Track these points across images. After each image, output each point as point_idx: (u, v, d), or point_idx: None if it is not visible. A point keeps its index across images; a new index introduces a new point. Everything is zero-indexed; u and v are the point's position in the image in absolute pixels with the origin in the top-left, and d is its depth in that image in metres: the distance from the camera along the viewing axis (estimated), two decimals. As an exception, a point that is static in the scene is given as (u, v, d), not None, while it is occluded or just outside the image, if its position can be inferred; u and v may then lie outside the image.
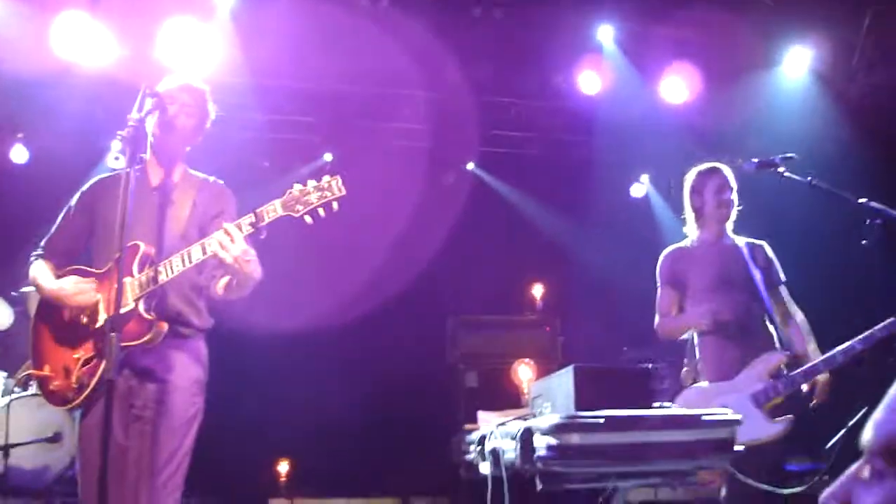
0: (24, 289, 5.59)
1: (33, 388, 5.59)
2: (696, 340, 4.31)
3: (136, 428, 3.28)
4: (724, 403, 3.85)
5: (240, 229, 3.18)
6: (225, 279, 3.41)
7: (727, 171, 4.38)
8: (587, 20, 6.82)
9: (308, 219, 3.13)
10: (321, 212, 3.13)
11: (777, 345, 4.13)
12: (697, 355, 4.31)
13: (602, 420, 2.57)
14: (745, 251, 4.27)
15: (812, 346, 4.15)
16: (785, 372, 4.01)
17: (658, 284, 4.44)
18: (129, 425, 3.27)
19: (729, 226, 4.38)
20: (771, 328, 4.19)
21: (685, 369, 4.44)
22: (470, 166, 8.49)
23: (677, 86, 7.16)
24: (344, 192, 3.13)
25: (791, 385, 3.93)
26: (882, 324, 3.84)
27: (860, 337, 3.86)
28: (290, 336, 7.10)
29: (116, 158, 3.10)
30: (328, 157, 7.97)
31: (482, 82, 7.31)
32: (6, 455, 5.46)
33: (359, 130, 7.75)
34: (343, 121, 7.66)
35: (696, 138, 7.20)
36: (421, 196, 7.78)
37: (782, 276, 4.33)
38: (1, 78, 6.58)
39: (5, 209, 6.65)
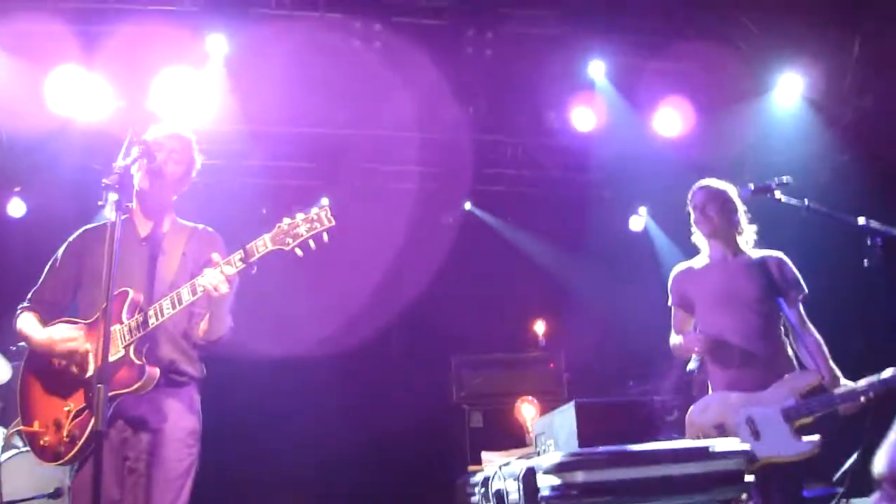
0: (22, 343, 5.54)
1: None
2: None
3: (130, 481, 3.23)
4: (749, 415, 3.79)
5: (231, 265, 3.16)
6: (205, 322, 3.38)
7: (716, 186, 4.33)
8: (578, 57, 6.85)
9: (298, 251, 3.11)
10: (311, 244, 3.10)
11: (794, 362, 4.04)
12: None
13: (605, 456, 2.53)
14: (757, 266, 4.18)
15: (825, 363, 4.02)
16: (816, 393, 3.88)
17: (670, 303, 4.41)
18: (124, 479, 3.22)
19: (741, 241, 4.30)
20: (786, 342, 4.11)
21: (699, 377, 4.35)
22: (467, 206, 8.49)
23: (671, 118, 7.16)
24: (333, 222, 3.11)
25: (827, 406, 3.80)
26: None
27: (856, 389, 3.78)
28: (293, 377, 7.08)
29: (102, 205, 3.08)
30: (325, 201, 7.98)
31: (476, 122, 7.32)
32: (7, 512, 5.38)
33: (356, 173, 7.77)
34: (340, 164, 7.68)
35: (692, 169, 7.18)
36: (420, 237, 7.78)
37: (804, 288, 4.19)
38: (-3, 131, 6.63)
39: (3, 263, 6.64)
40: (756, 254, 4.28)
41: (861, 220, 3.62)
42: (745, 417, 3.84)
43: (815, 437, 3.75)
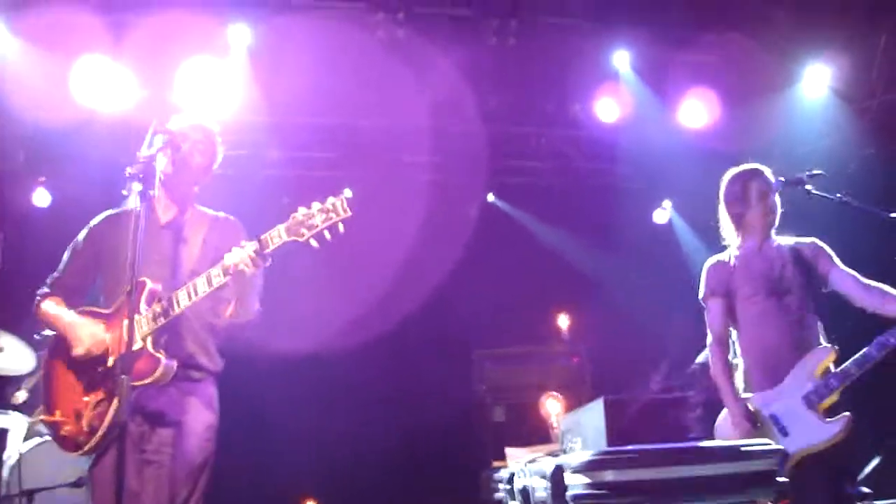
0: (47, 332, 5.58)
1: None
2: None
3: (148, 472, 3.22)
4: (774, 413, 3.71)
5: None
6: (231, 306, 3.37)
7: (768, 173, 4.14)
8: (603, 47, 6.79)
9: (314, 243, 3.06)
10: (327, 235, 3.05)
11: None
12: (741, 367, 4.11)
13: (637, 455, 2.49)
14: (791, 253, 4.04)
15: None
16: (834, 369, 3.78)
17: (704, 299, 4.18)
18: (142, 470, 3.21)
19: (773, 228, 4.15)
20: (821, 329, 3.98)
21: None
22: (490, 198, 8.44)
23: (696, 110, 7.09)
24: (349, 212, 3.04)
25: (845, 378, 3.71)
26: None
27: None
28: (314, 372, 7.06)
29: (126, 195, 3.08)
30: (348, 192, 7.94)
31: (500, 112, 7.27)
32: (31, 500, 5.41)
33: (379, 164, 7.73)
34: (362, 156, 7.64)
35: (717, 161, 7.09)
36: (442, 228, 7.74)
37: (836, 263, 4.01)
38: (22, 123, 6.66)
39: (28, 252, 6.67)
40: (786, 241, 4.13)
41: (895, 214, 3.56)
42: (769, 416, 3.77)
43: (844, 416, 3.65)
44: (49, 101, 6.34)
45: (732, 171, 4.24)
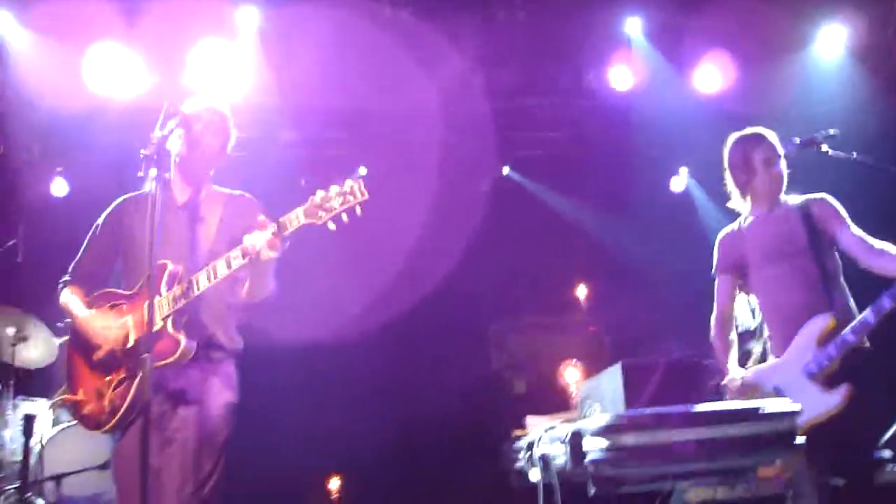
0: (69, 319, 5.65)
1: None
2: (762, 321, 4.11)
3: (170, 450, 3.27)
4: (777, 386, 3.68)
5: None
6: (248, 284, 3.40)
7: (773, 138, 4.05)
8: (614, 14, 6.73)
9: (331, 225, 3.08)
10: (344, 217, 3.07)
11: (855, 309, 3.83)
12: (765, 334, 4.08)
13: (655, 417, 2.49)
14: (801, 214, 3.95)
15: None
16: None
17: (715, 272, 4.16)
18: (164, 448, 3.26)
19: (783, 191, 4.07)
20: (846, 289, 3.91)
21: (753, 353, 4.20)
22: (505, 171, 8.42)
23: (711, 75, 7.01)
24: (367, 195, 3.07)
25: (843, 346, 3.62)
26: None
27: None
28: (332, 348, 7.10)
29: (141, 177, 3.11)
30: (363, 170, 7.96)
31: (512, 86, 7.23)
32: (59, 485, 5.52)
33: (391, 143, 7.73)
34: (375, 134, 7.64)
35: (733, 126, 7.01)
36: (459, 204, 7.74)
37: (846, 222, 3.90)
38: (38, 113, 6.70)
39: (48, 242, 6.73)
40: (796, 200, 4.05)
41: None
42: (772, 389, 3.70)
43: (843, 387, 3.57)
44: (62, 91, 6.38)
45: (733, 136, 4.16)
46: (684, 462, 2.54)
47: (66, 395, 3.59)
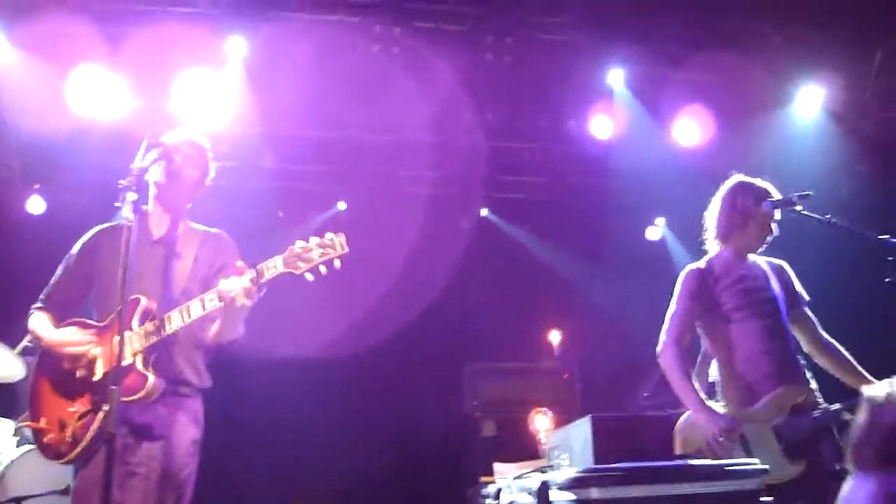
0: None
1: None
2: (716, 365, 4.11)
3: (132, 483, 3.22)
4: (743, 434, 3.67)
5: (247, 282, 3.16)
6: (217, 325, 3.38)
7: (775, 194, 4.06)
8: (598, 64, 6.83)
9: (309, 276, 3.09)
10: (322, 269, 3.08)
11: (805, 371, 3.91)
12: (717, 377, 4.08)
13: (621, 473, 2.49)
14: (774, 274, 4.01)
15: (854, 367, 3.86)
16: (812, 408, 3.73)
17: (677, 301, 4.06)
18: (125, 482, 3.21)
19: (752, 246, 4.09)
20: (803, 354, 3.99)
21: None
22: (484, 212, 8.46)
23: (690, 128, 7.12)
24: (346, 249, 3.09)
25: (813, 424, 3.64)
26: None
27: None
28: (304, 385, 7.06)
29: (119, 207, 3.10)
30: (342, 205, 7.98)
31: (495, 128, 7.29)
32: (19, 508, 5.39)
33: (372, 178, 7.75)
34: (357, 168, 7.66)
35: (710, 180, 7.12)
36: (435, 242, 7.75)
37: (806, 297, 4.05)
38: (18, 131, 6.67)
39: (23, 260, 6.67)
40: (760, 260, 4.10)
41: (884, 237, 3.57)
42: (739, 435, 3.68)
43: (804, 461, 3.56)
44: (45, 110, 6.35)
45: (741, 179, 4.14)
46: (650, 518, 2.54)
47: (27, 422, 3.54)
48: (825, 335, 4.02)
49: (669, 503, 2.53)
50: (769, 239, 4.07)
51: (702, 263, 4.10)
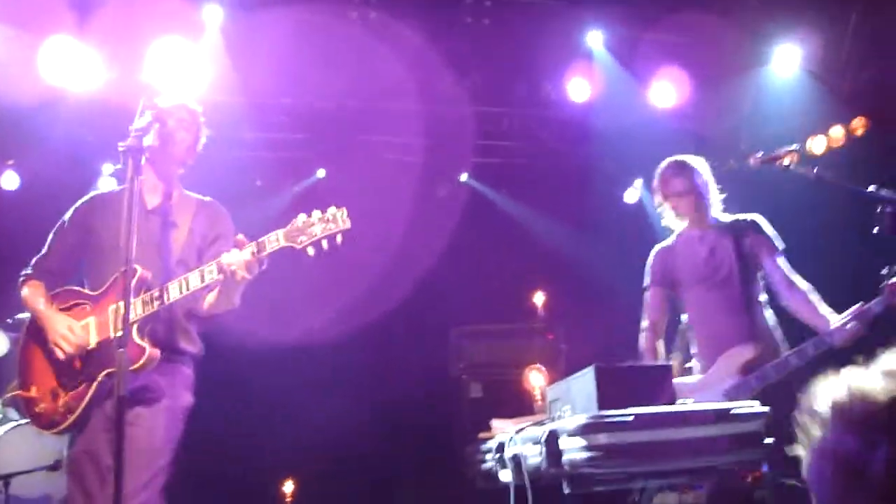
0: (20, 315, 5.51)
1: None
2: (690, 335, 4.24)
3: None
4: (697, 401, 3.76)
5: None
6: (212, 296, 3.36)
7: (680, 162, 4.28)
8: (576, 26, 6.82)
9: (311, 251, 3.09)
10: (324, 244, 3.08)
11: (774, 332, 4.03)
12: (692, 350, 4.21)
13: (631, 418, 2.53)
14: (732, 234, 4.14)
15: (825, 310, 3.92)
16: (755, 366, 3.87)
17: (647, 285, 4.32)
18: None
19: (714, 210, 4.25)
20: (766, 312, 4.10)
21: (673, 363, 4.32)
22: (464, 177, 8.46)
23: (667, 90, 7.14)
24: (349, 225, 3.10)
25: (763, 380, 3.80)
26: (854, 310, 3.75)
27: (831, 329, 3.75)
28: (290, 353, 7.05)
29: (113, 175, 3.09)
30: (321, 173, 7.93)
31: (473, 93, 7.28)
32: (7, 485, 5.36)
33: (351, 145, 7.71)
34: (335, 136, 7.61)
35: (688, 141, 7.19)
36: (416, 209, 7.76)
37: (779, 245, 4.14)
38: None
39: (-2, 234, 6.58)
40: (728, 219, 4.24)
41: (871, 188, 3.62)
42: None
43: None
44: (17, 82, 6.21)
45: (665, 161, 4.36)
46: (656, 462, 2.60)
47: (17, 391, 3.51)
48: (796, 280, 4.07)
49: (676, 446, 2.58)
50: (705, 207, 4.19)
51: (665, 243, 4.35)
